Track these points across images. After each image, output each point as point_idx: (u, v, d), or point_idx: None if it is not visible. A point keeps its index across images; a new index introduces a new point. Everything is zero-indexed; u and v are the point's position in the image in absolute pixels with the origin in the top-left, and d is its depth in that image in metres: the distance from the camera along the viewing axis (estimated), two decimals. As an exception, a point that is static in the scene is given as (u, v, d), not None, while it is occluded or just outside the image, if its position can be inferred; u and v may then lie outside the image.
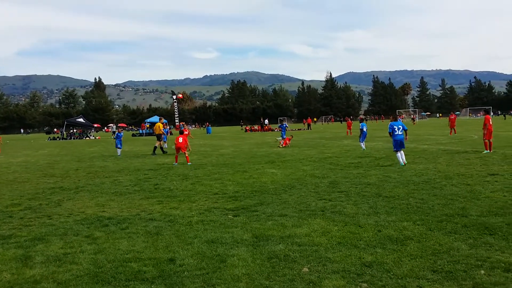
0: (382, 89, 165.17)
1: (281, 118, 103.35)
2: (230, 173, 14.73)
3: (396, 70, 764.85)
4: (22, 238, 7.18)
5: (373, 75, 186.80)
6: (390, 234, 6.60)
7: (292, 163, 17.25)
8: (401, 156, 15.04)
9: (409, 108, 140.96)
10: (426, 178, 11.99)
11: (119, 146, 24.57)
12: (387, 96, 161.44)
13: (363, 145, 22.08)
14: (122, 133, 25.88)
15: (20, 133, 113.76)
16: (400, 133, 15.27)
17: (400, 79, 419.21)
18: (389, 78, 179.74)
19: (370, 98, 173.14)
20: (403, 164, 14.77)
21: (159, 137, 25.74)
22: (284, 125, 36.06)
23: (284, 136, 27.59)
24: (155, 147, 25.08)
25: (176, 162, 18.27)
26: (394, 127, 15.37)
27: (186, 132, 25.86)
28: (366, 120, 27.78)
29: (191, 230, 7.34)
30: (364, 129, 22.60)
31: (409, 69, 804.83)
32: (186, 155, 18.58)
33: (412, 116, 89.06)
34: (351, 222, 7.42)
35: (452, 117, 34.75)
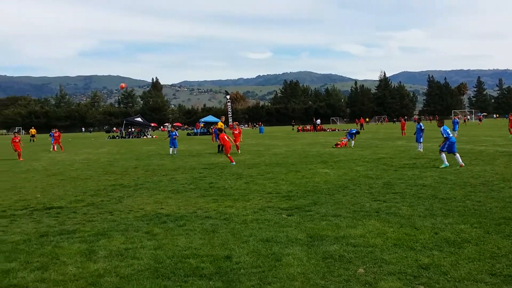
0: (437, 89, 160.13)
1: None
2: (283, 173, 14.81)
3: (452, 70, 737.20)
4: (86, 233, 7.51)
5: (428, 75, 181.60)
6: (447, 237, 6.47)
7: (345, 163, 17.10)
8: (458, 158, 14.68)
9: (465, 109, 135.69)
10: (484, 180, 11.59)
11: (171, 145, 25.17)
12: (443, 96, 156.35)
13: (420, 146, 21.33)
14: (175, 132, 26.30)
15: (81, 131, 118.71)
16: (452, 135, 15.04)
17: (456, 79, 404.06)
18: (445, 78, 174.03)
19: (425, 98, 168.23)
20: (447, 165, 14.48)
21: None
22: (354, 131, 30.03)
23: (349, 138, 26.32)
24: (219, 146, 25.15)
25: (233, 161, 18.33)
26: (447, 130, 15.10)
27: (236, 132, 26.17)
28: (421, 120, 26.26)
29: (246, 228, 7.47)
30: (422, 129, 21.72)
31: (465, 68, 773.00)
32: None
33: (465, 116, 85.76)
34: (406, 224, 7.31)
35: (512, 118, 33.07)
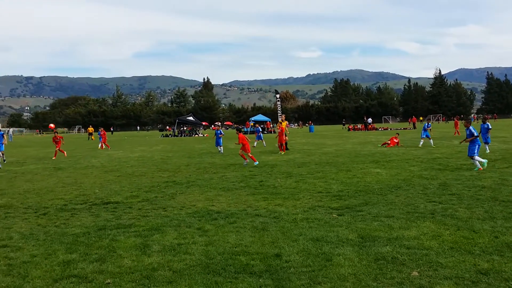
0: (497, 86, 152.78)
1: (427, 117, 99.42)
2: (333, 172, 14.63)
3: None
4: (141, 228, 7.74)
5: (487, 72, 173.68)
6: (509, 241, 6.16)
7: (398, 163, 16.68)
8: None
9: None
10: (551, 182, 10.96)
11: (216, 144, 25.42)
12: (503, 93, 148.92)
13: (487, 147, 19.72)
14: (220, 131, 26.23)
15: (136, 130, 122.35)
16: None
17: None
18: (505, 75, 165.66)
19: (483, 96, 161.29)
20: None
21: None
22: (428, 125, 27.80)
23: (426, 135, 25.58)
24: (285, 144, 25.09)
25: (247, 161, 18.01)
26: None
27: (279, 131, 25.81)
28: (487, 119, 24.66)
29: (296, 227, 7.44)
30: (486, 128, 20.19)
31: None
32: (243, 154, 18.14)
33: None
34: (464, 227, 7.03)
35: None
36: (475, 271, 5.13)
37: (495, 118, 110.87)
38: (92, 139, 57.97)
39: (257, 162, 17.62)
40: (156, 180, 14.15)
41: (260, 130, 34.97)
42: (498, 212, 7.93)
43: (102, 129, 37.07)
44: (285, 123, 25.73)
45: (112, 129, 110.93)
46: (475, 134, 14.47)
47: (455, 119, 42.48)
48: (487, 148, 19.85)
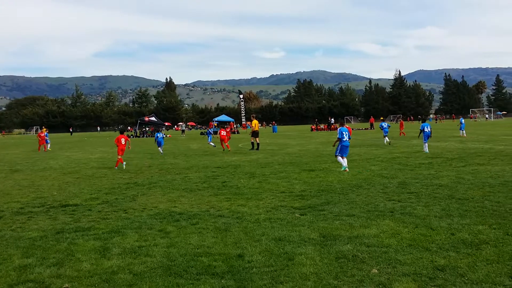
0: (454, 87, 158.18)
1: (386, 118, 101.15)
2: (296, 172, 14.75)
3: (469, 68, 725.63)
4: (100, 231, 7.58)
5: (445, 73, 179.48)
6: (464, 238, 6.35)
7: (359, 162, 16.98)
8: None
9: (484, 107, 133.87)
10: (503, 180, 11.39)
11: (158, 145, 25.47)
12: (460, 94, 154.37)
13: (425, 147, 20.26)
14: (160, 133, 26.56)
15: (97, 131, 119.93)
16: (346, 138, 14.91)
17: (473, 77, 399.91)
18: (462, 76, 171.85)
19: (441, 96, 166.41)
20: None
21: (255, 134, 26.24)
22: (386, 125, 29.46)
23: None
24: (252, 143, 26.13)
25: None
26: (343, 132, 14.88)
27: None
28: (429, 120, 25.97)
29: (258, 227, 7.44)
30: (426, 130, 20.67)
31: (483, 66, 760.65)
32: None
33: (472, 115, 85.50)
34: (422, 224, 7.21)
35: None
36: (432, 267, 5.26)
37: (453, 118, 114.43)
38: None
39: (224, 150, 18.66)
40: (116, 182, 13.89)
41: (211, 132, 35.34)
42: (455, 210, 8.16)
43: (43, 129, 35.43)
44: (256, 122, 26.66)
45: (71, 130, 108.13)
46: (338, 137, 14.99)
47: (401, 120, 43.41)
48: (426, 148, 20.25)
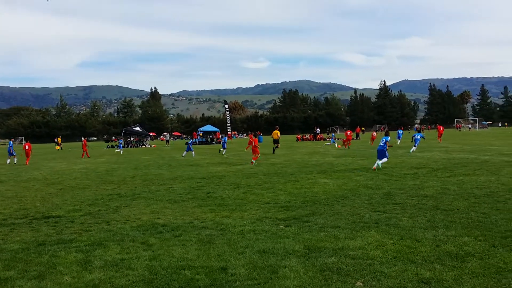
0: (439, 97, 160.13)
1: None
2: (281, 183, 14.69)
3: (454, 78, 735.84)
4: (82, 243, 7.45)
5: (430, 83, 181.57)
6: (450, 250, 6.34)
7: (345, 173, 16.99)
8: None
9: (469, 117, 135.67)
10: (488, 191, 11.43)
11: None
12: (445, 104, 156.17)
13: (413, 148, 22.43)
14: (121, 140, 26.38)
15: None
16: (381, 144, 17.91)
17: (458, 87, 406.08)
18: (447, 86, 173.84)
19: (426, 106, 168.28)
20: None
21: (275, 141, 32.89)
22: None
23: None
24: (273, 148, 32.14)
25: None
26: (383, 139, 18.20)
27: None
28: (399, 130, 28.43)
29: (243, 239, 7.36)
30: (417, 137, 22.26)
31: (468, 76, 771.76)
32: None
33: (458, 124, 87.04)
34: (407, 236, 7.19)
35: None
36: (417, 280, 5.22)
37: (438, 129, 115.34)
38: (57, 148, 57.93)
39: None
40: (100, 193, 13.69)
41: (191, 142, 35.57)
42: (440, 221, 8.16)
43: (26, 143, 33.99)
44: (277, 132, 33.59)
45: (56, 140, 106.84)
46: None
47: (373, 131, 44.41)
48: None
